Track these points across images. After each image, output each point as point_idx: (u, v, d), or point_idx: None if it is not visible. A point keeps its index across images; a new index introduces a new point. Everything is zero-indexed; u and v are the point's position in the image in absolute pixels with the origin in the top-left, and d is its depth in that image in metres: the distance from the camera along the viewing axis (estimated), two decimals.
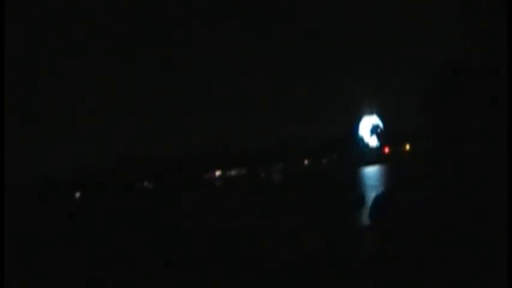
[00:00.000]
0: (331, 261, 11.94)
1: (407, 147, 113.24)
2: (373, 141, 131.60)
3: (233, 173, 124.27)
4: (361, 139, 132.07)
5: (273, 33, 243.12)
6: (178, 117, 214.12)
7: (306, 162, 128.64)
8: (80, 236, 30.18)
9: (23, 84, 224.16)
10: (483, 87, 22.63)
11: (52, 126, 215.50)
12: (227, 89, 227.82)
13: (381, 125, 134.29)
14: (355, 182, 47.40)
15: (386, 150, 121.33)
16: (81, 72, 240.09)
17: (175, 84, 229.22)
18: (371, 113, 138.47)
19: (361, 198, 23.80)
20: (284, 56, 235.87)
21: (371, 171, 73.06)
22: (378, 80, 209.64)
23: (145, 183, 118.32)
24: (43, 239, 32.31)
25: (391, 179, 46.02)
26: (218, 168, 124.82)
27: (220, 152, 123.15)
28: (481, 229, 10.96)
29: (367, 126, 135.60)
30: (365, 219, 18.15)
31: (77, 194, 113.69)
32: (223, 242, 18.32)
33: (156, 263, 15.81)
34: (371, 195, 27.12)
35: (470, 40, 24.21)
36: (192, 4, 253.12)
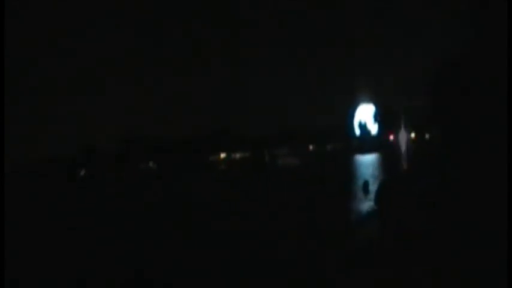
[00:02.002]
0: (336, 247, 12.00)
1: (413, 135, 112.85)
2: (373, 129, 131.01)
3: (237, 155, 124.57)
4: (363, 126, 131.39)
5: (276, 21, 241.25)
6: (184, 99, 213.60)
7: (310, 147, 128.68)
8: (82, 215, 30.37)
9: (28, 64, 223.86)
10: (485, 78, 22.42)
11: (57, 107, 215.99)
12: (233, 74, 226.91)
13: (368, 117, 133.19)
14: (358, 169, 47.48)
15: (391, 137, 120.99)
16: (85, 51, 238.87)
17: (184, 65, 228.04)
18: (368, 101, 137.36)
19: (365, 185, 23.80)
20: (287, 44, 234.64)
21: (373, 159, 73.10)
22: (378, 69, 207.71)
23: (150, 164, 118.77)
24: (46, 220, 32.55)
25: (394, 166, 46.01)
26: (223, 151, 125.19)
27: (225, 134, 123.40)
28: (483, 222, 10.97)
29: (365, 114, 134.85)
30: (370, 205, 18.21)
31: (82, 172, 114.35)
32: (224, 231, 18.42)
33: (155, 244, 15.94)
34: (375, 182, 27.18)
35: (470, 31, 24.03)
36: None
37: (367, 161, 67.71)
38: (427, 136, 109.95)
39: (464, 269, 8.33)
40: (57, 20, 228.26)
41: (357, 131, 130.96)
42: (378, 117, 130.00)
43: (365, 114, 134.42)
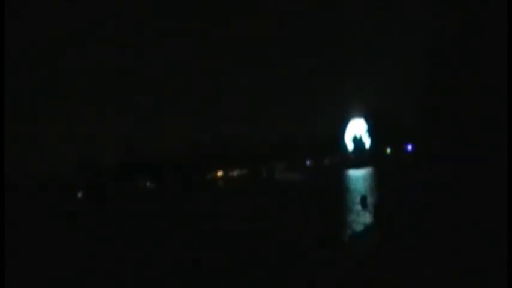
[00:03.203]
0: (337, 260, 12.43)
1: (410, 147, 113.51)
2: (367, 143, 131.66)
3: (235, 173, 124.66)
4: (356, 140, 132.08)
5: (271, 30, 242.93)
6: (179, 117, 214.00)
7: (308, 162, 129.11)
8: (80, 238, 30.57)
9: (23, 83, 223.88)
10: (480, 83, 23.02)
11: (53, 125, 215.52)
12: (227, 89, 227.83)
13: (362, 130, 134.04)
14: (354, 184, 47.88)
15: (388, 151, 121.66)
16: (82, 70, 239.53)
17: (177, 83, 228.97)
18: (359, 115, 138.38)
19: (363, 200, 24.29)
20: (280, 56, 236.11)
21: (368, 173, 73.52)
22: (371, 80, 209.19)
23: (148, 184, 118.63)
24: (44, 240, 32.73)
25: (391, 180, 46.46)
26: (220, 169, 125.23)
27: (222, 152, 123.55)
28: (481, 229, 11.33)
29: (358, 128, 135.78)
30: (369, 219, 18.69)
31: (79, 194, 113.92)
32: (225, 245, 18.80)
33: (156, 263, 16.27)
34: (372, 196, 27.71)
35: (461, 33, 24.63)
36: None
37: (363, 175, 68.11)
38: (410, 148, 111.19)
39: (462, 281, 8.65)
40: (58, 34, 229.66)
41: (351, 146, 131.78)
42: (371, 132, 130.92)
43: (358, 129, 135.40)
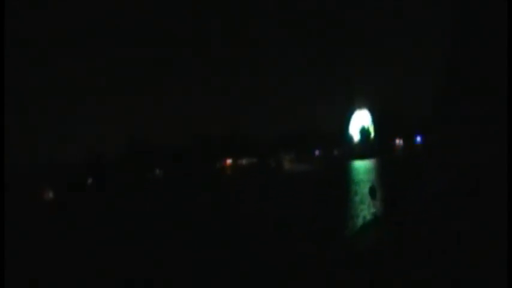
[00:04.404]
0: (347, 250, 12.50)
1: (418, 139, 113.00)
2: (373, 134, 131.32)
3: (244, 161, 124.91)
4: (363, 132, 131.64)
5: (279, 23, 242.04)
6: (191, 106, 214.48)
7: (317, 153, 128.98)
8: (89, 226, 30.87)
9: (33, 72, 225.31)
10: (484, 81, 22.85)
11: (63, 114, 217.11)
12: (239, 81, 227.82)
13: (368, 122, 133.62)
14: (363, 174, 47.82)
15: (398, 142, 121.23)
16: (91, 60, 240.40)
17: (188, 73, 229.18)
18: (364, 107, 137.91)
19: (372, 190, 24.25)
20: (291, 49, 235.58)
21: (374, 164, 73.33)
22: (376, 73, 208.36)
23: (157, 171, 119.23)
24: (53, 228, 33.12)
25: (400, 171, 46.29)
26: (229, 157, 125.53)
27: (232, 141, 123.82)
28: (485, 225, 11.32)
29: (364, 119, 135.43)
30: (378, 210, 18.71)
31: (89, 181, 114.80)
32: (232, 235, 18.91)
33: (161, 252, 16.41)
34: (381, 187, 27.66)
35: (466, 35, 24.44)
36: None
37: (370, 166, 67.95)
38: (418, 140, 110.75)
39: (465, 270, 8.68)
40: (64, 24, 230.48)
41: (357, 137, 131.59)
42: (376, 123, 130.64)
43: (363, 120, 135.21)
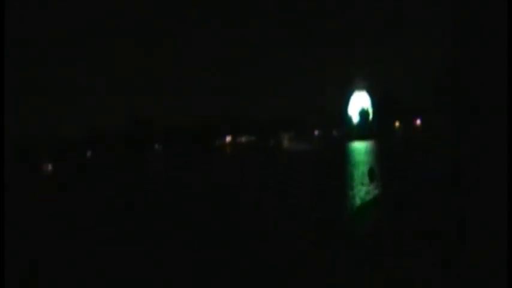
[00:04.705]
0: (344, 230, 12.56)
1: (418, 122, 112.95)
2: (371, 116, 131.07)
3: (243, 139, 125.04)
4: (362, 113, 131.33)
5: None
6: (191, 82, 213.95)
7: (316, 132, 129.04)
8: (87, 201, 30.91)
9: (35, 51, 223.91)
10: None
11: (66, 90, 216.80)
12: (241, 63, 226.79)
13: (368, 103, 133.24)
14: (361, 155, 47.92)
15: (397, 124, 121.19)
16: (94, 39, 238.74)
17: (191, 52, 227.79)
18: (362, 88, 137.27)
19: (371, 172, 24.32)
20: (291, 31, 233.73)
21: (373, 145, 73.43)
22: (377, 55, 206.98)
23: (156, 146, 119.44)
24: (51, 202, 33.24)
25: (398, 153, 46.38)
26: (228, 135, 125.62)
27: (232, 120, 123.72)
28: (484, 207, 11.36)
29: (363, 101, 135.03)
30: (376, 191, 18.79)
31: (88, 153, 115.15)
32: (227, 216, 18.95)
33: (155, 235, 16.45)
34: (379, 169, 27.74)
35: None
36: None
37: (369, 147, 68.06)
38: (418, 122, 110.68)
39: (463, 260, 8.72)
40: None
41: (356, 118, 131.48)
42: (375, 104, 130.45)
43: (363, 102, 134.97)
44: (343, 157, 48.48)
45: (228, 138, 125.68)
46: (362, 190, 20.66)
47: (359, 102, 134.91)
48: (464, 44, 24.53)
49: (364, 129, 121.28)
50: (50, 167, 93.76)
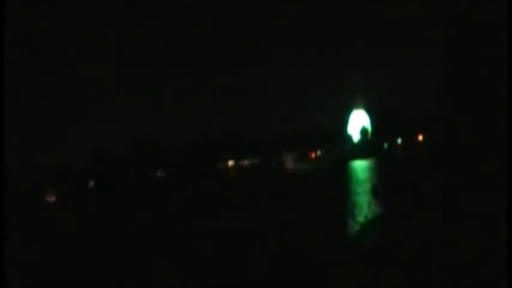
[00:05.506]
0: (350, 248, 12.46)
1: (420, 137, 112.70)
2: (370, 134, 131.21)
3: (246, 162, 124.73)
4: (362, 131, 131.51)
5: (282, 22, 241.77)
6: (190, 106, 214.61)
7: (318, 152, 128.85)
8: (91, 227, 30.77)
9: (34, 74, 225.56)
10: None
11: (65, 115, 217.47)
12: (238, 80, 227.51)
13: (367, 121, 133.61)
14: (363, 173, 47.82)
15: (399, 140, 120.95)
16: (92, 60, 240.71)
17: (187, 73, 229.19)
18: (361, 106, 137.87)
19: (374, 189, 24.27)
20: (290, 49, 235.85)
21: (374, 163, 73.40)
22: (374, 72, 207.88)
23: (159, 173, 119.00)
24: (55, 230, 33.08)
25: (400, 170, 46.21)
26: (231, 158, 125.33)
27: (233, 142, 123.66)
28: (489, 222, 11.26)
29: (363, 119, 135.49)
30: (381, 208, 18.70)
31: (91, 183, 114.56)
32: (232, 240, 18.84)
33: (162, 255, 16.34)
34: (382, 186, 27.61)
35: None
36: None
37: (370, 165, 67.95)
38: (420, 138, 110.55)
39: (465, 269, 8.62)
40: (66, 24, 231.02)
41: (357, 137, 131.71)
42: (374, 123, 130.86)
43: (362, 120, 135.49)
44: (345, 176, 48.35)
45: (231, 162, 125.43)
46: (365, 207, 20.58)
47: (358, 121, 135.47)
48: (465, 52, 24.70)
49: (365, 147, 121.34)
50: (53, 197, 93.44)
